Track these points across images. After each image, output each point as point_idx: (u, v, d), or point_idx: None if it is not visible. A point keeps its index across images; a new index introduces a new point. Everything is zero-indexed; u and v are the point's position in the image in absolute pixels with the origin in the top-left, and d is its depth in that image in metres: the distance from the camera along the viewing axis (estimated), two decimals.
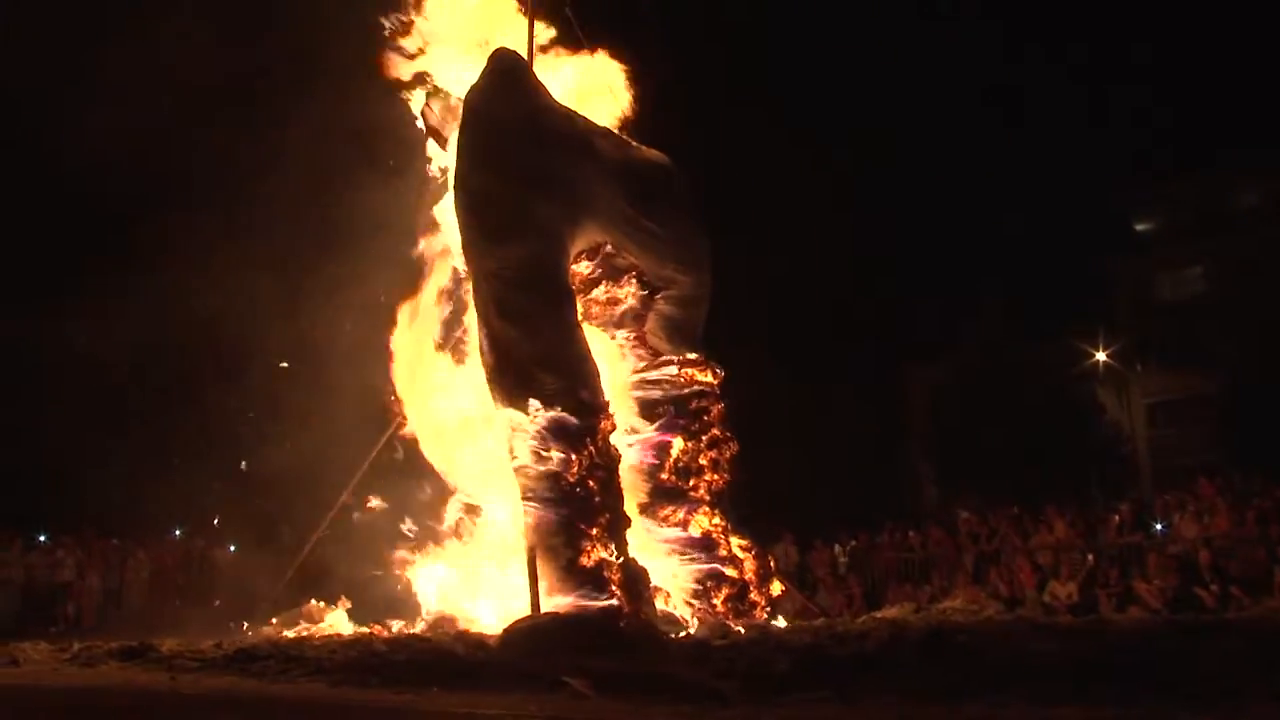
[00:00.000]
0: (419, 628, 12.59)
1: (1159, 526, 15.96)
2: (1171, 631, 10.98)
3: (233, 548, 19.02)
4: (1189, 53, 24.03)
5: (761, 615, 12.43)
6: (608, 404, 11.96)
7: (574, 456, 11.34)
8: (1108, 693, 7.26)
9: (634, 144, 13.50)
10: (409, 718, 7.57)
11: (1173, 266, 29.11)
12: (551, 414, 11.50)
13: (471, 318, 12.62)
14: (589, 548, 11.00)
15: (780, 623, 12.48)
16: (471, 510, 13.06)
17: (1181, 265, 29.00)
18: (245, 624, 13.68)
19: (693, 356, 13.29)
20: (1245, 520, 14.48)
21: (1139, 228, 29.77)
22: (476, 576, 12.88)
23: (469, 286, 12.65)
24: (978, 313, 26.63)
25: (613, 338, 13.29)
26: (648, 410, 13.00)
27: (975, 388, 26.36)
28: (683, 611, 12.25)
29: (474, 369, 12.62)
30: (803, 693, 7.57)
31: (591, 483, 11.30)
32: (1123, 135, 25.41)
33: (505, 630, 10.48)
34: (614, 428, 11.95)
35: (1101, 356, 27.56)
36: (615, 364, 13.09)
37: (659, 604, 11.83)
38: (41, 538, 18.34)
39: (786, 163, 23.83)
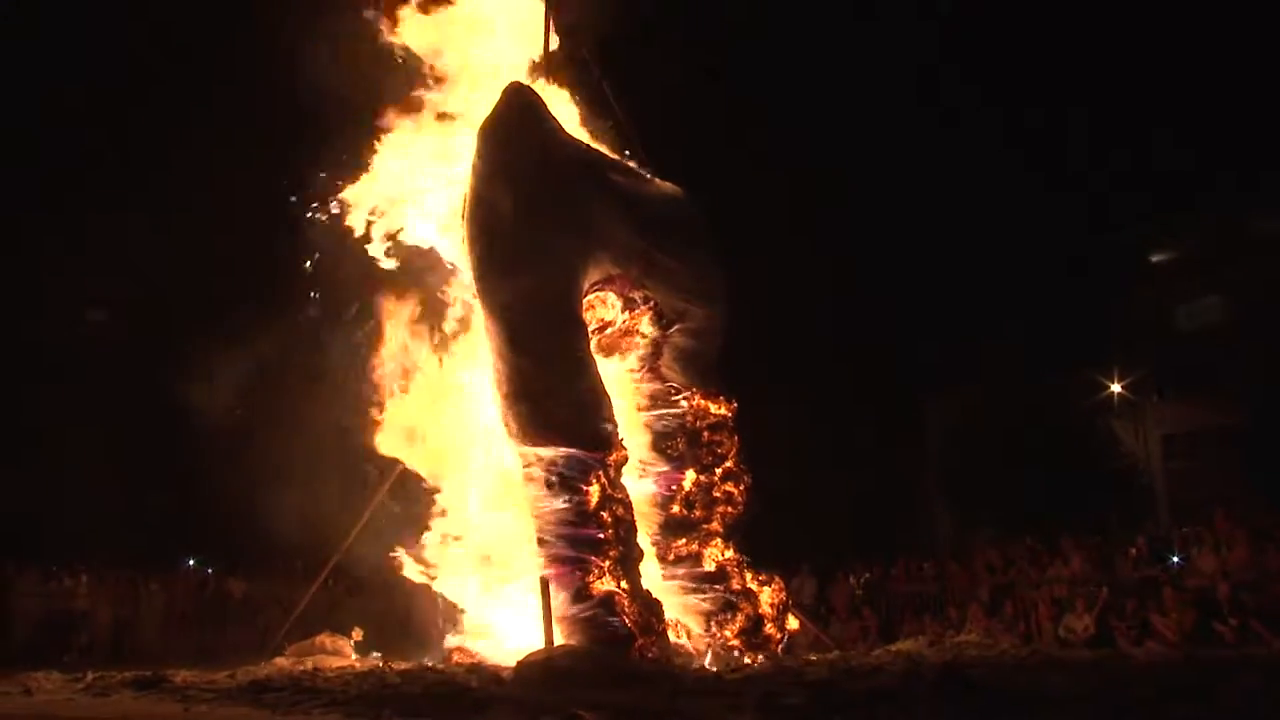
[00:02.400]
0: (432, 660, 12.57)
1: (1175, 559, 15.84)
2: (1189, 666, 10.90)
3: (245, 579, 19.01)
4: (1206, 79, 23.97)
5: (776, 648, 12.38)
6: (621, 436, 11.95)
7: (587, 489, 11.32)
8: None
9: (647, 176, 13.55)
10: None
11: (1189, 297, 29.00)
12: (564, 446, 11.50)
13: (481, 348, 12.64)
14: (602, 580, 10.97)
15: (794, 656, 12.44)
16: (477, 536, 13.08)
17: (1198, 296, 28.89)
18: (258, 655, 13.66)
19: (707, 389, 13.28)
20: (1265, 553, 14.36)
21: (1154, 258, 29.68)
22: (489, 604, 12.87)
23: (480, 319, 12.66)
24: (993, 346, 26.59)
25: (627, 370, 13.29)
26: (661, 442, 12.99)
27: (991, 420, 26.30)
28: (696, 644, 12.21)
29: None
30: None
31: (604, 515, 11.28)
32: (1138, 164, 25.27)
33: (519, 663, 10.46)
34: (626, 460, 11.94)
35: (1117, 388, 27.47)
36: (628, 396, 13.09)
37: (672, 636, 11.78)
38: (54, 568, 18.36)
39: (801, 196, 23.94)
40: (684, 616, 12.39)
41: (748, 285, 15.76)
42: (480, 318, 12.36)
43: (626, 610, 10.87)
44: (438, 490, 13.33)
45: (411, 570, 13.09)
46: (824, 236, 24.39)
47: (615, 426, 11.86)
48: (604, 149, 13.67)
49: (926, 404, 29.68)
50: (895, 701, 8.41)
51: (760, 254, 21.91)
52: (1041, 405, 26.10)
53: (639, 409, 13.10)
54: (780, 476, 17.51)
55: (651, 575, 12.13)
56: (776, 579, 13.03)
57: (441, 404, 13.52)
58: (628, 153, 13.92)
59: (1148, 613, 14.29)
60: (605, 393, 12.02)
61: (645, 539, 12.15)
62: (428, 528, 13.15)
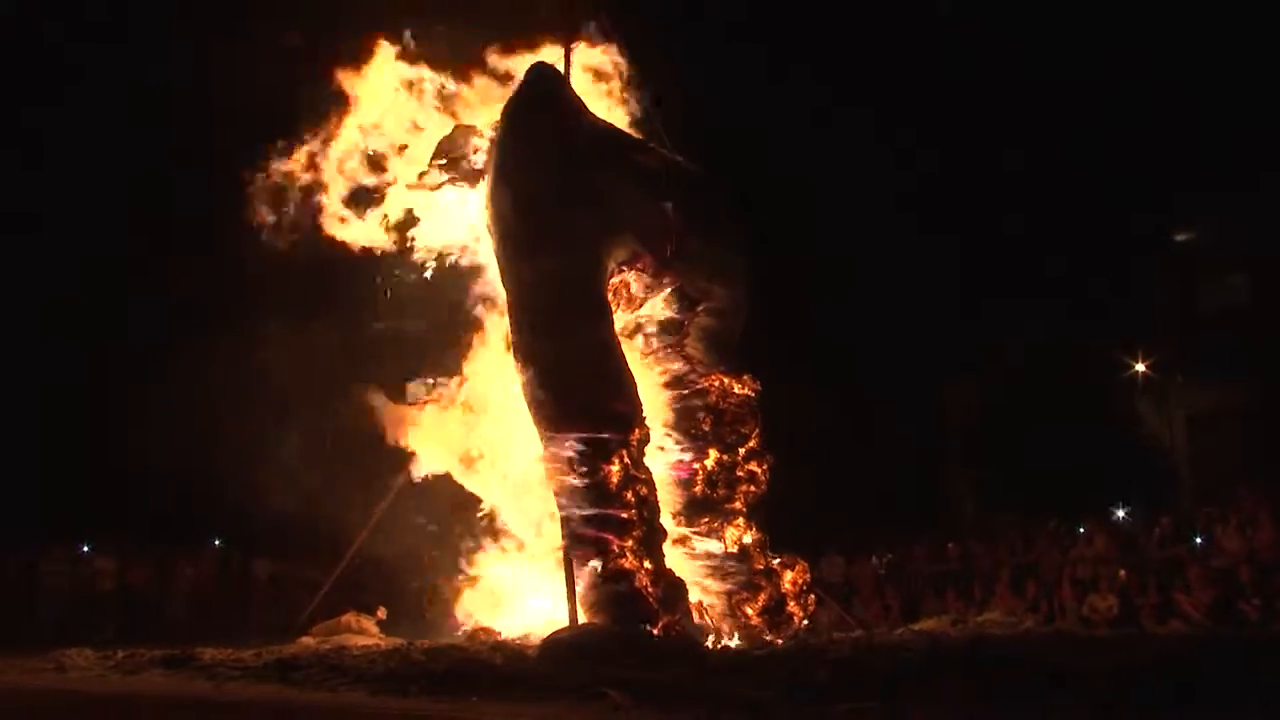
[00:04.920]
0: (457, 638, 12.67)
1: (1199, 539, 15.80)
2: (1213, 645, 10.88)
3: (272, 559, 19.14)
4: (1234, 59, 23.67)
5: (799, 627, 12.42)
6: (644, 416, 11.98)
7: (609, 469, 11.35)
8: (1149, 706, 7.21)
9: (671, 156, 13.53)
10: None
11: (1215, 277, 28.77)
12: (587, 427, 11.53)
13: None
14: (626, 560, 11.02)
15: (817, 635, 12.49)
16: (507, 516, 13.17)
17: (1224, 275, 28.66)
18: (285, 635, 13.78)
19: (730, 368, 13.29)
20: None
21: (1180, 237, 29.44)
22: (515, 583, 12.97)
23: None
24: (1017, 325, 26.47)
25: (651, 350, 13.32)
26: (684, 422, 13.02)
27: (1014, 400, 26.22)
28: (720, 624, 12.26)
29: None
30: (843, 702, 7.55)
31: (628, 494, 11.31)
32: (1165, 142, 24.98)
33: (544, 641, 10.54)
34: (649, 439, 11.97)
35: (1141, 368, 27.33)
36: (652, 376, 13.12)
37: (695, 616, 11.83)
38: (85, 548, 18.54)
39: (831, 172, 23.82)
40: (706, 596, 12.44)
41: (772, 265, 15.75)
42: (504, 299, 12.40)
43: (650, 589, 10.92)
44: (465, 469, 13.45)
45: (442, 551, 13.21)
46: (847, 214, 24.30)
47: (638, 406, 11.88)
48: (627, 129, 13.67)
49: (949, 384, 29.59)
50: (919, 679, 8.42)
51: (782, 233, 21.87)
52: (1064, 385, 25.99)
53: (663, 388, 13.13)
54: (806, 456, 17.55)
55: (674, 555, 12.17)
56: (799, 559, 13.07)
57: (471, 387, 13.62)
58: (650, 132, 13.91)
59: (1171, 592, 14.27)
60: (629, 373, 12.04)
61: (668, 519, 12.18)
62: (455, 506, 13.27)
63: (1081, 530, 16.91)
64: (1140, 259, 26.95)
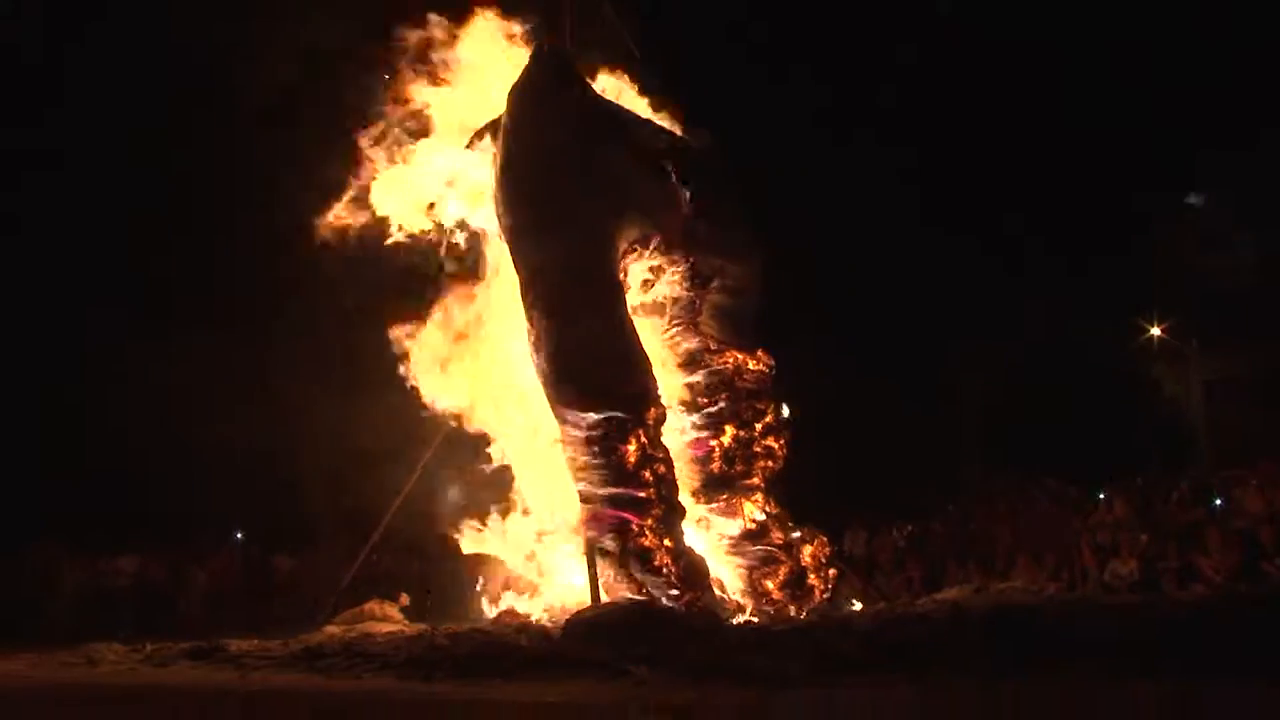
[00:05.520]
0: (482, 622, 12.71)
1: (1218, 502, 15.75)
2: (1236, 607, 10.86)
3: (292, 554, 19.17)
4: (1247, 23, 23.43)
5: (820, 600, 12.43)
6: (659, 395, 11.99)
7: (626, 448, 11.38)
8: (1173, 667, 7.22)
9: (680, 134, 13.51)
10: (476, 710, 7.67)
11: (1230, 241, 28.63)
12: (603, 408, 11.55)
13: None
14: (646, 538, 11.05)
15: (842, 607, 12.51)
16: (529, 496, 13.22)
17: (1241, 240, 28.52)
18: (309, 625, 13.83)
19: (745, 344, 13.27)
20: None
21: (1194, 201, 29.29)
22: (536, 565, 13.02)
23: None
24: (1032, 293, 26.37)
25: (665, 328, 13.31)
26: (701, 399, 13.00)
27: (1032, 369, 26.13)
28: (741, 599, 12.28)
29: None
30: (870, 673, 7.58)
31: (646, 473, 11.34)
32: (1180, 107, 24.80)
33: (567, 621, 10.59)
34: (665, 417, 11.98)
35: (1157, 332, 27.25)
36: (667, 354, 13.12)
37: (717, 592, 11.86)
38: (102, 548, 18.58)
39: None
40: (727, 572, 12.47)
41: (786, 242, 15.72)
42: (517, 282, 12.40)
43: (671, 567, 10.95)
44: (485, 451, 13.48)
45: (463, 535, 13.25)
46: (856, 192, 24.21)
47: (654, 385, 11.89)
48: (635, 108, 13.64)
49: (966, 356, 29.50)
50: (947, 647, 8.44)
51: (798, 209, 21.80)
52: (1081, 352, 25.91)
53: (678, 366, 13.12)
54: (828, 431, 17.56)
55: (694, 532, 12.19)
56: (818, 533, 13.07)
57: (488, 367, 13.62)
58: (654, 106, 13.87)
59: (1192, 555, 14.23)
60: (643, 352, 12.05)
61: (686, 496, 12.20)
62: (476, 491, 13.31)
63: (1102, 497, 16.86)
64: (1157, 224, 26.80)
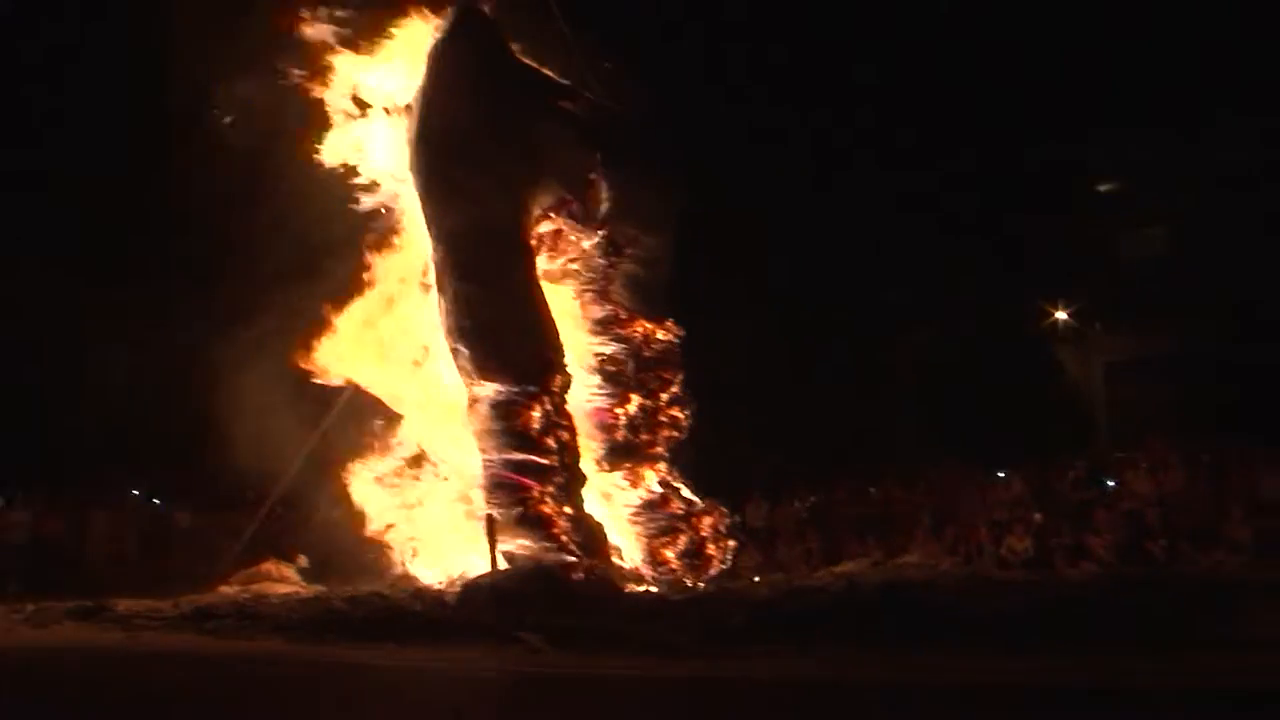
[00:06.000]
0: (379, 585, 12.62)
1: (1111, 484, 16.14)
2: (1121, 584, 11.18)
3: (193, 510, 18.85)
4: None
5: (717, 570, 12.53)
6: (566, 362, 11.96)
7: (531, 414, 11.36)
8: (1059, 643, 7.39)
9: (599, 101, 13.40)
10: (362, 673, 7.61)
11: (1136, 225, 29.19)
12: (510, 375, 11.50)
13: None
14: (546, 504, 11.05)
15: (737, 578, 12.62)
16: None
17: (1145, 224, 29.07)
18: (204, 584, 13.61)
19: (654, 314, 13.28)
20: (1196, 478, 14.70)
21: (1102, 187, 29.81)
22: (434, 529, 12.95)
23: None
24: (941, 273, 26.69)
25: (575, 296, 13.25)
26: (608, 368, 12.99)
27: (938, 349, 26.47)
28: (640, 567, 12.33)
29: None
30: (759, 645, 7.65)
31: (549, 440, 11.34)
32: (1088, 87, 25.14)
33: (463, 587, 10.55)
34: (570, 385, 11.96)
35: (1062, 315, 27.73)
36: (576, 322, 13.07)
37: (616, 560, 11.90)
38: None
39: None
40: (626, 540, 12.50)
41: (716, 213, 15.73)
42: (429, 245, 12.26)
43: (570, 534, 10.96)
44: (388, 415, 13.33)
45: (361, 495, 13.11)
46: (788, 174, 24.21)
47: (560, 352, 11.87)
48: (554, 74, 13.49)
49: (879, 335, 29.82)
50: (837, 620, 8.55)
51: (718, 182, 21.78)
52: (986, 332, 26.30)
53: (586, 334, 13.08)
54: (734, 402, 17.64)
55: (594, 500, 12.21)
56: (718, 504, 13.16)
57: (400, 331, 13.45)
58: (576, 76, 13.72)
59: (1084, 534, 14.60)
60: (551, 320, 12.03)
61: (589, 464, 12.20)
62: (377, 453, 13.17)
63: (1001, 475, 17.21)
64: (1061, 207, 27.22)
